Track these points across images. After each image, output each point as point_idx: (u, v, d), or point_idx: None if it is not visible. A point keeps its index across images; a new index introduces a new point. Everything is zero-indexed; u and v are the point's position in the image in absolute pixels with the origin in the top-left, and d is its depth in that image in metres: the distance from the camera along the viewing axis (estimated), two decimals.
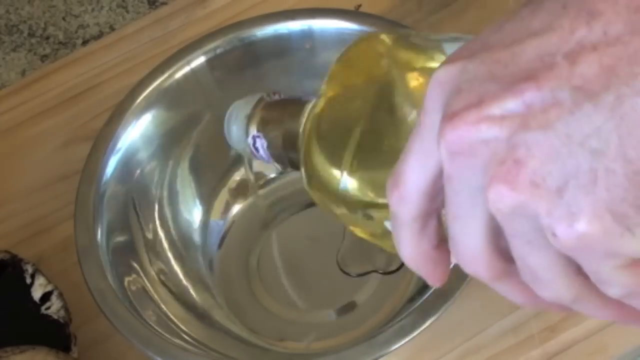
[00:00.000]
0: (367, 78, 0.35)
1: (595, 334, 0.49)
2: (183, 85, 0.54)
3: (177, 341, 0.46)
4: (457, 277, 0.43)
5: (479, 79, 0.24)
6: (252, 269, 0.56)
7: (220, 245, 0.56)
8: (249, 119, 0.43)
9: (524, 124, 0.23)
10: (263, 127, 0.42)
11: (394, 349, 0.43)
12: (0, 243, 0.57)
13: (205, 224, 0.57)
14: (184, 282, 0.54)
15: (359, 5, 0.64)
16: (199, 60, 0.54)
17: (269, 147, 0.42)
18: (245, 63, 0.55)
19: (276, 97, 0.44)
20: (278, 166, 0.44)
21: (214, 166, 0.57)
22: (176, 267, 0.54)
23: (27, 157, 0.63)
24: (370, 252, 0.55)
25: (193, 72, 0.54)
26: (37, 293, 0.51)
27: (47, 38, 0.70)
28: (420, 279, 0.52)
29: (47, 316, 0.51)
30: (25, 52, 0.70)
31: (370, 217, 0.34)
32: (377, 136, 0.34)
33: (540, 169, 0.23)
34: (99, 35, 0.70)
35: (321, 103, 0.37)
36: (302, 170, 0.38)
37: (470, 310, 0.51)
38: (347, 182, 0.34)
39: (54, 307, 0.51)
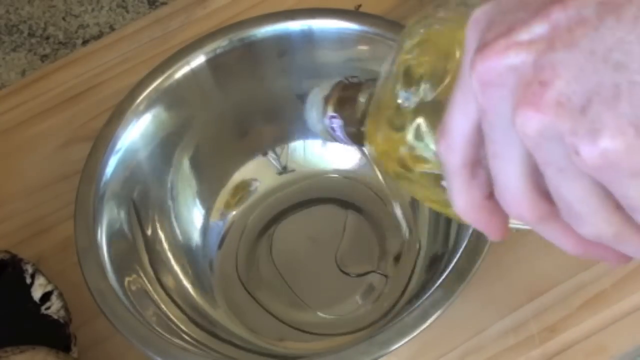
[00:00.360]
0: (438, 54, 0.36)
1: (595, 334, 0.49)
2: (183, 85, 0.54)
3: (177, 341, 0.46)
4: (457, 277, 0.43)
5: (510, 10, 0.25)
6: (252, 269, 0.56)
7: (220, 245, 0.57)
8: (326, 100, 0.44)
9: (550, 45, 0.23)
10: (340, 107, 0.43)
11: (394, 349, 0.43)
12: (0, 243, 0.57)
13: (205, 224, 0.57)
14: (184, 282, 0.54)
15: (359, 5, 0.64)
16: (199, 60, 0.54)
17: (344, 126, 0.43)
18: (245, 63, 0.55)
19: (354, 80, 0.45)
20: (355, 146, 0.45)
21: (214, 166, 0.57)
22: (176, 267, 0.54)
23: (27, 157, 0.63)
24: (369, 253, 0.55)
25: (193, 72, 0.54)
26: (37, 293, 0.51)
27: (47, 38, 0.70)
28: (420, 278, 0.52)
29: (47, 316, 0.51)
30: (25, 52, 0.70)
31: (436, 181, 0.34)
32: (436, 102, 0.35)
33: (566, 88, 0.23)
34: (99, 35, 0.70)
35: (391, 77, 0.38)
36: (367, 139, 0.39)
37: (470, 310, 0.51)
38: (411, 142, 0.35)
39: (54, 307, 0.51)
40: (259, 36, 0.54)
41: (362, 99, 0.42)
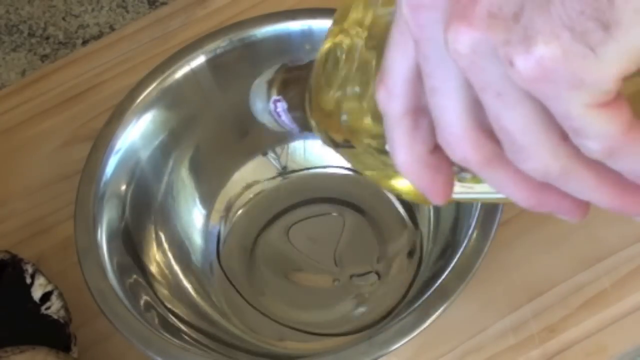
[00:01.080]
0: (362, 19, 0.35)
1: (595, 334, 0.49)
2: (183, 85, 0.54)
3: (177, 341, 0.46)
4: (457, 277, 0.43)
5: None
6: (252, 269, 0.56)
7: (220, 245, 0.57)
8: (270, 84, 0.42)
9: None
10: (283, 89, 0.42)
11: (394, 349, 0.43)
12: (0, 243, 0.57)
13: (205, 223, 0.57)
14: (184, 282, 0.54)
15: None
16: (199, 60, 0.54)
17: (289, 109, 0.41)
18: (245, 63, 0.55)
19: (298, 63, 0.43)
20: (300, 129, 0.43)
21: (214, 166, 0.57)
22: (176, 268, 0.54)
23: (27, 157, 0.63)
24: (369, 253, 0.55)
25: (193, 72, 0.54)
26: (37, 293, 0.51)
27: (47, 38, 0.70)
28: (420, 278, 0.52)
29: (47, 316, 0.51)
30: (25, 52, 0.70)
31: (380, 151, 0.33)
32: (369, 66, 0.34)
33: None
34: (99, 35, 0.70)
35: (325, 46, 0.37)
36: (309, 112, 0.37)
37: (470, 310, 0.51)
38: (345, 112, 0.34)
39: (54, 307, 0.51)
40: (259, 36, 0.54)
41: (306, 77, 0.40)
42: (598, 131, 0.22)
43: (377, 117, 0.31)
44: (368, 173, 0.36)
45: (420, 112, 0.26)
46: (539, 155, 0.23)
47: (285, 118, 0.42)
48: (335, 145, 0.35)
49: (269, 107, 0.42)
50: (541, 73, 0.21)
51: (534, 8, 0.21)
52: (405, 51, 0.26)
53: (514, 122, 0.23)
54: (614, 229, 0.52)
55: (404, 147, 0.27)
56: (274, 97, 0.42)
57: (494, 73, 0.22)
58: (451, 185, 0.28)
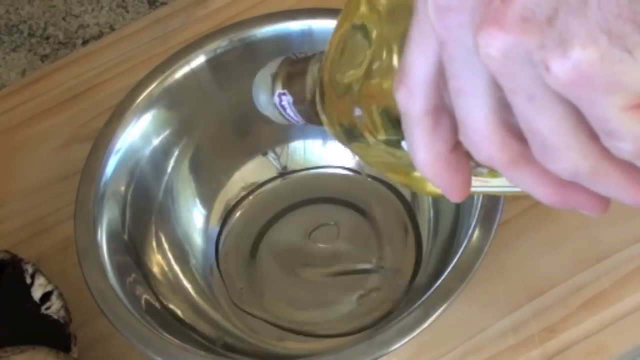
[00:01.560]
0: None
1: (595, 334, 0.49)
2: (183, 85, 0.54)
3: (177, 341, 0.46)
4: (457, 277, 0.43)
5: None
6: (252, 269, 0.56)
7: (220, 245, 0.56)
8: (274, 77, 0.42)
9: None
10: (288, 82, 0.41)
11: (394, 349, 0.43)
12: (0, 243, 0.57)
13: (205, 223, 0.57)
14: (184, 282, 0.54)
15: None
16: (199, 60, 0.54)
17: (294, 102, 0.41)
18: (245, 63, 0.55)
19: (302, 55, 0.42)
20: (305, 122, 0.42)
21: (214, 166, 0.57)
22: (176, 268, 0.54)
23: (27, 157, 0.63)
24: (369, 253, 0.55)
25: (193, 72, 0.54)
26: (37, 293, 0.51)
27: (47, 38, 0.70)
28: (420, 278, 0.52)
29: (47, 316, 0.51)
30: (25, 52, 0.70)
31: (394, 146, 0.33)
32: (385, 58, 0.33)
33: (529, 1, 0.21)
34: (99, 35, 0.70)
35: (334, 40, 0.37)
36: (320, 107, 0.37)
37: (470, 310, 0.51)
38: (359, 107, 0.33)
39: (54, 307, 0.51)
40: (259, 36, 0.54)
41: (313, 69, 0.40)
42: (631, 132, 0.22)
43: (393, 111, 0.31)
44: (380, 167, 0.36)
45: (441, 111, 0.26)
46: (569, 155, 0.23)
47: (290, 111, 0.41)
48: (347, 138, 0.35)
49: (273, 100, 0.42)
50: (578, 77, 0.21)
51: (569, 12, 0.21)
52: (426, 51, 0.25)
53: (545, 124, 0.23)
54: (614, 229, 0.52)
55: (424, 146, 0.27)
56: (279, 90, 0.41)
57: (526, 76, 0.22)
58: (469, 183, 0.28)
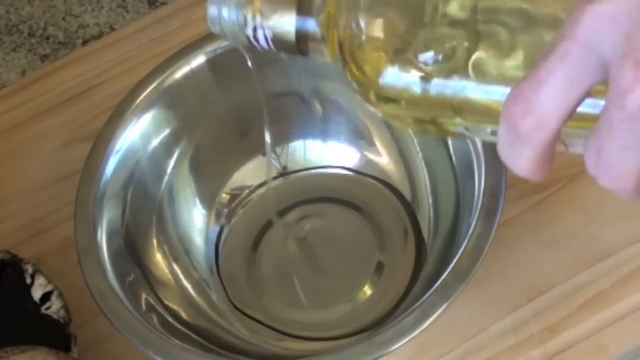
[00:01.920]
0: None
1: (595, 334, 0.49)
2: (183, 85, 0.54)
3: (177, 341, 0.46)
4: (457, 277, 0.43)
5: None
6: (252, 269, 0.56)
7: (220, 245, 0.56)
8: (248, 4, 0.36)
9: None
10: (267, 13, 0.35)
11: (394, 349, 0.42)
12: (0, 243, 0.57)
13: (205, 224, 0.57)
14: (184, 282, 0.54)
15: None
16: (199, 60, 0.54)
17: (274, 39, 0.35)
18: (245, 63, 0.55)
19: None
20: (278, 53, 0.37)
21: (214, 166, 0.57)
22: (176, 267, 0.54)
23: (27, 157, 0.63)
24: (369, 253, 0.55)
25: (193, 72, 0.54)
26: (37, 293, 0.51)
27: (47, 38, 0.70)
28: (420, 278, 0.52)
29: (47, 316, 0.51)
30: (25, 52, 0.70)
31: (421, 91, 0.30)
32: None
33: None
34: (99, 35, 0.70)
35: None
36: (347, 57, 0.32)
37: (470, 310, 0.51)
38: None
39: (54, 307, 0.51)
40: None
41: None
42: None
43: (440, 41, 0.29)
44: (407, 124, 0.33)
45: (558, 139, 0.26)
46: None
47: (264, 44, 0.36)
48: (374, 90, 0.32)
49: (243, 28, 0.36)
50: None
51: None
52: (575, 89, 0.24)
53: None
54: (614, 229, 0.52)
55: (531, 165, 0.27)
56: (256, 23, 0.35)
57: None
58: (551, 166, 0.27)
